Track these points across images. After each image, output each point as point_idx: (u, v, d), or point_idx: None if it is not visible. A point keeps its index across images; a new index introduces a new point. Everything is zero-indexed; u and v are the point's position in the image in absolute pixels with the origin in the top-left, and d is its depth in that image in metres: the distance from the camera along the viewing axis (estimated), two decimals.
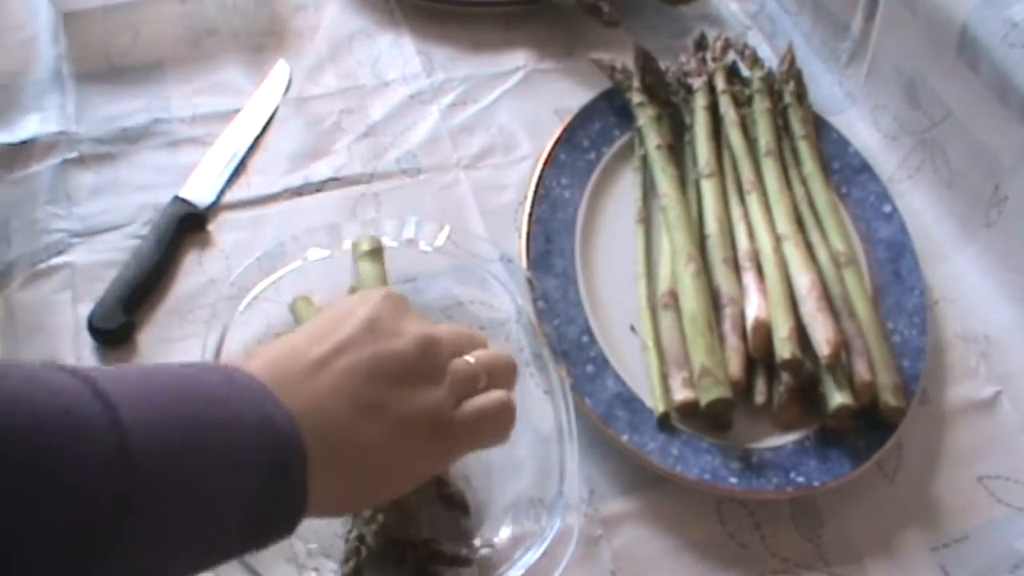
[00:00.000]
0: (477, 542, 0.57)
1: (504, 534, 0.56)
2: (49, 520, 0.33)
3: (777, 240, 0.66)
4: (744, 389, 0.62)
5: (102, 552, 0.35)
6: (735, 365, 0.62)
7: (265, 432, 0.40)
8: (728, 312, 0.64)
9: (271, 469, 0.40)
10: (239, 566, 0.50)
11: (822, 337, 0.60)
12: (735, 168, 0.72)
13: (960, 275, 0.70)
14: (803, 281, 0.63)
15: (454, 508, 0.57)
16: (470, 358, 0.49)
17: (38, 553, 0.33)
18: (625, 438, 0.60)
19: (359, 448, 0.44)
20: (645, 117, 0.73)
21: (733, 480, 0.59)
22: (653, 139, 0.72)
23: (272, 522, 0.41)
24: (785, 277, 0.64)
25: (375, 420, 0.44)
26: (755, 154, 0.72)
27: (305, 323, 0.50)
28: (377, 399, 0.44)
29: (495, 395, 0.49)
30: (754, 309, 0.63)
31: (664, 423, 0.61)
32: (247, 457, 0.39)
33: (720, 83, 0.75)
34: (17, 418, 0.33)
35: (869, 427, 0.61)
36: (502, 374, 0.51)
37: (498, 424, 0.50)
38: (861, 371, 0.61)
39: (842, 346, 0.61)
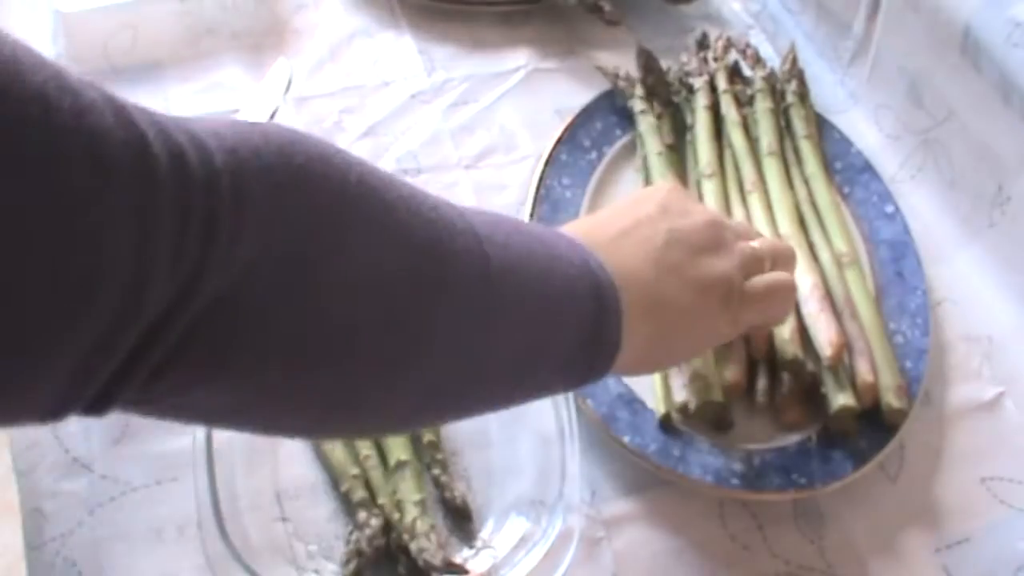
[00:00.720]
0: (478, 543, 0.57)
1: (505, 535, 0.56)
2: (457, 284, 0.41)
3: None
4: (746, 390, 0.62)
5: (484, 319, 0.41)
6: (736, 366, 0.61)
7: (587, 274, 0.45)
8: None
9: (593, 304, 0.45)
10: (239, 566, 0.50)
11: (824, 338, 0.60)
12: (737, 168, 0.71)
13: (963, 276, 0.70)
14: (805, 281, 0.63)
15: (455, 510, 0.57)
16: (755, 243, 0.55)
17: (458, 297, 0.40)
18: (627, 439, 0.60)
19: (662, 303, 0.49)
20: (647, 124, 0.73)
21: (735, 481, 0.59)
22: (654, 146, 0.72)
23: (592, 356, 0.46)
24: None
25: (674, 280, 0.49)
26: (757, 154, 0.72)
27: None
28: (675, 262, 0.49)
29: (780, 274, 0.55)
30: None
31: (666, 424, 0.61)
32: (574, 289, 0.45)
33: (722, 83, 0.75)
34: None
35: (871, 428, 0.61)
36: (784, 259, 0.57)
37: (781, 300, 0.56)
38: (863, 372, 0.61)
39: (844, 347, 0.60)
